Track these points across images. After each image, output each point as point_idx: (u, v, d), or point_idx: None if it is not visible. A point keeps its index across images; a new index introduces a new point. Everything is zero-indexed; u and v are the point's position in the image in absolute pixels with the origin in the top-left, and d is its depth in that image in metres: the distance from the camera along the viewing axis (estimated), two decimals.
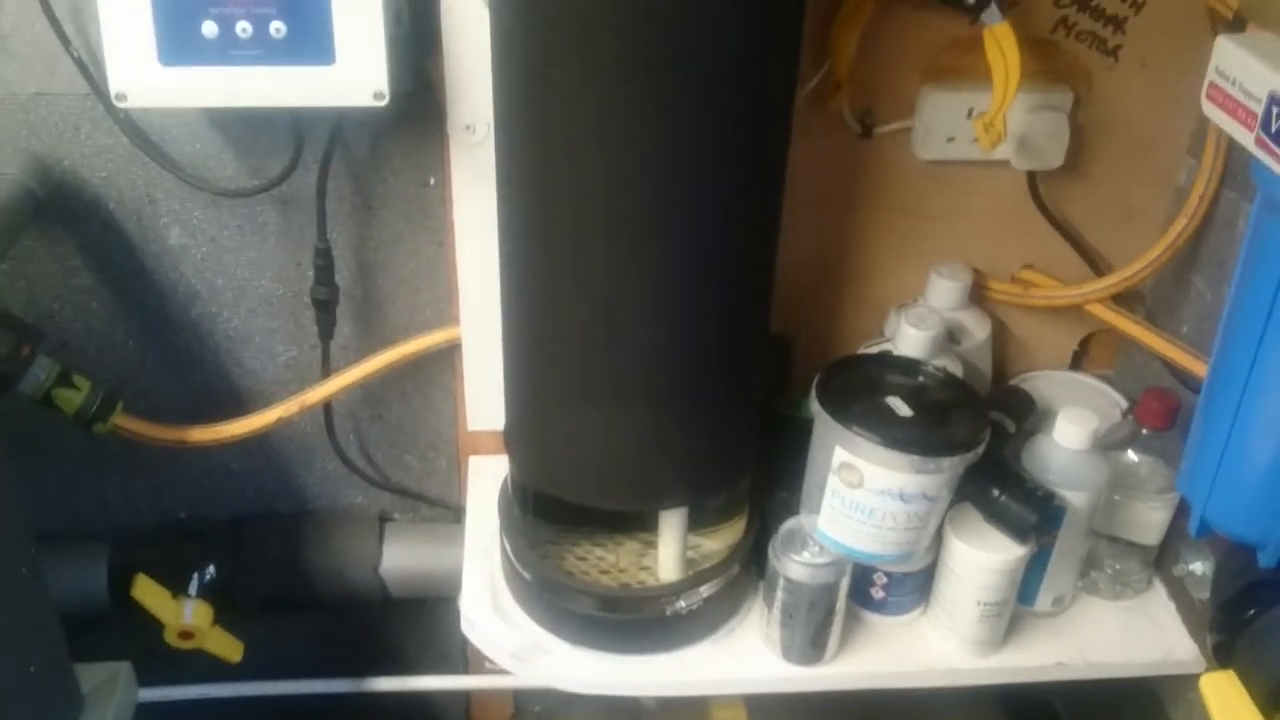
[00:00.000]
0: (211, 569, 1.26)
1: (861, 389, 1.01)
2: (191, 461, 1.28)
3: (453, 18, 1.03)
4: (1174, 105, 1.10)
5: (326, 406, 1.23)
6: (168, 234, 1.16)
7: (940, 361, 1.08)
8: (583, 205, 0.87)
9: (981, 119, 1.01)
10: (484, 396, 1.23)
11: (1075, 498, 1.03)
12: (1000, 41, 0.96)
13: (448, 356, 1.25)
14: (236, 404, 1.25)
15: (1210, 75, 0.76)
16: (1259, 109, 0.71)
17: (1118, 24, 1.06)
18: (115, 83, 0.97)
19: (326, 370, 1.21)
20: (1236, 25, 0.87)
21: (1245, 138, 0.73)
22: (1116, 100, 1.10)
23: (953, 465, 0.97)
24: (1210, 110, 0.76)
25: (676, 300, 0.91)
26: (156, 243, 1.16)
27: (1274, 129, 0.69)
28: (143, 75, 0.96)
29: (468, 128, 1.08)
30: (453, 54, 1.05)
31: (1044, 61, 1.07)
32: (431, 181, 1.15)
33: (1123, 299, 1.17)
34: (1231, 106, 0.74)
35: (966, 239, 1.17)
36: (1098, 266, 1.17)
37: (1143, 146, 1.13)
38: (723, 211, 0.89)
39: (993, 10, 0.95)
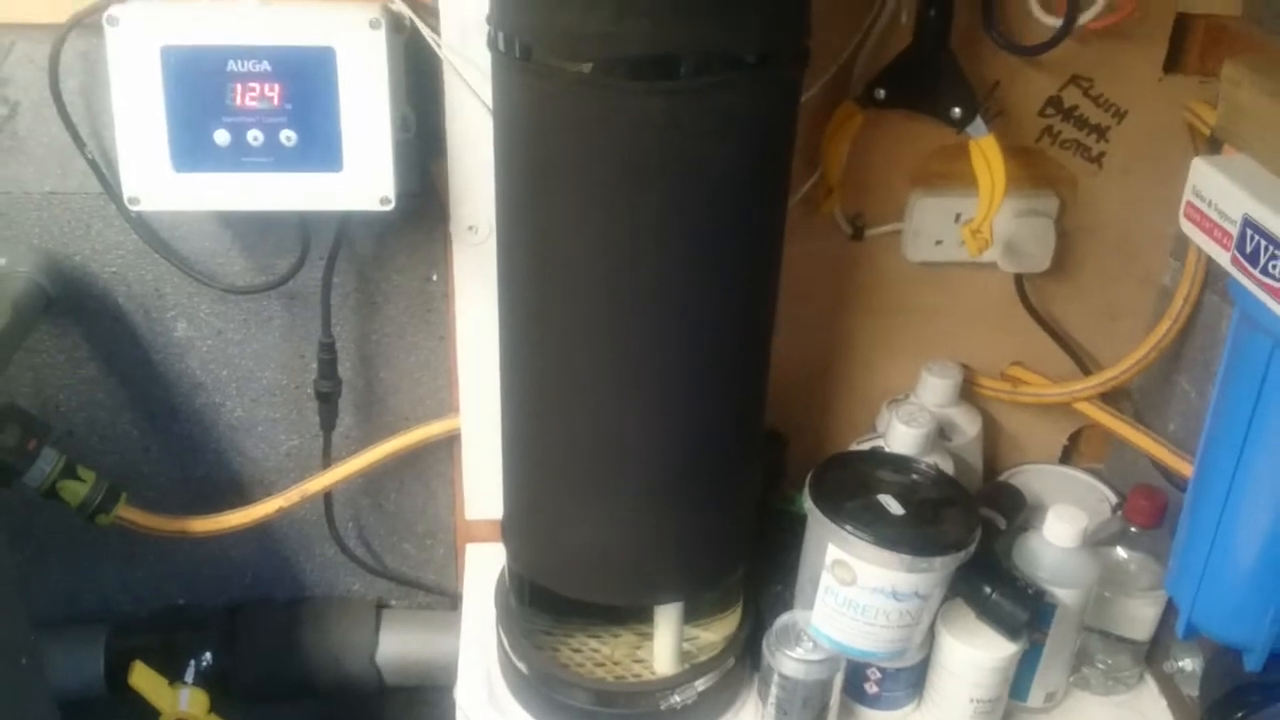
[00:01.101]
0: (208, 656, 1.27)
1: (854, 486, 1.03)
2: (190, 548, 1.29)
3: (457, 125, 1.06)
4: (1157, 209, 1.13)
5: (327, 495, 1.25)
6: (175, 327, 1.18)
7: (932, 458, 1.10)
8: (581, 310, 0.90)
9: (969, 226, 1.04)
10: (482, 486, 1.25)
11: (1066, 595, 1.04)
12: (985, 153, 1.00)
13: (447, 446, 1.27)
14: (237, 491, 1.27)
15: (1188, 195, 0.79)
16: (1234, 230, 0.74)
17: (1101, 132, 1.10)
18: (129, 187, 1.00)
19: (328, 460, 1.23)
20: (1214, 142, 0.91)
21: (1222, 257, 0.75)
22: (1101, 205, 1.13)
23: (945, 564, 0.98)
24: (1188, 228, 0.79)
25: (673, 401, 0.93)
26: (163, 335, 1.18)
27: (1248, 250, 0.72)
28: (156, 180, 0.99)
29: (470, 228, 1.11)
30: (456, 158, 1.08)
31: (1029, 168, 1.11)
32: (434, 278, 1.18)
33: (1110, 396, 1.19)
34: (1208, 226, 0.77)
35: (956, 336, 1.20)
36: (1084, 364, 1.20)
37: (1127, 249, 1.16)
38: (718, 316, 0.91)
39: (978, 124, 0.99)
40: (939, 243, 1.12)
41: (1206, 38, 1.05)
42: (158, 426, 1.23)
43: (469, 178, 1.09)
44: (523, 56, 0.83)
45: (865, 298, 1.18)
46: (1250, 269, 0.72)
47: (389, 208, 1.01)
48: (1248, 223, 0.72)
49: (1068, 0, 0.99)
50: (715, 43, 0.79)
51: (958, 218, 1.11)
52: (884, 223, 1.13)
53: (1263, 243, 0.71)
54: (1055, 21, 1.01)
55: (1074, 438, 1.28)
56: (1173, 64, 1.07)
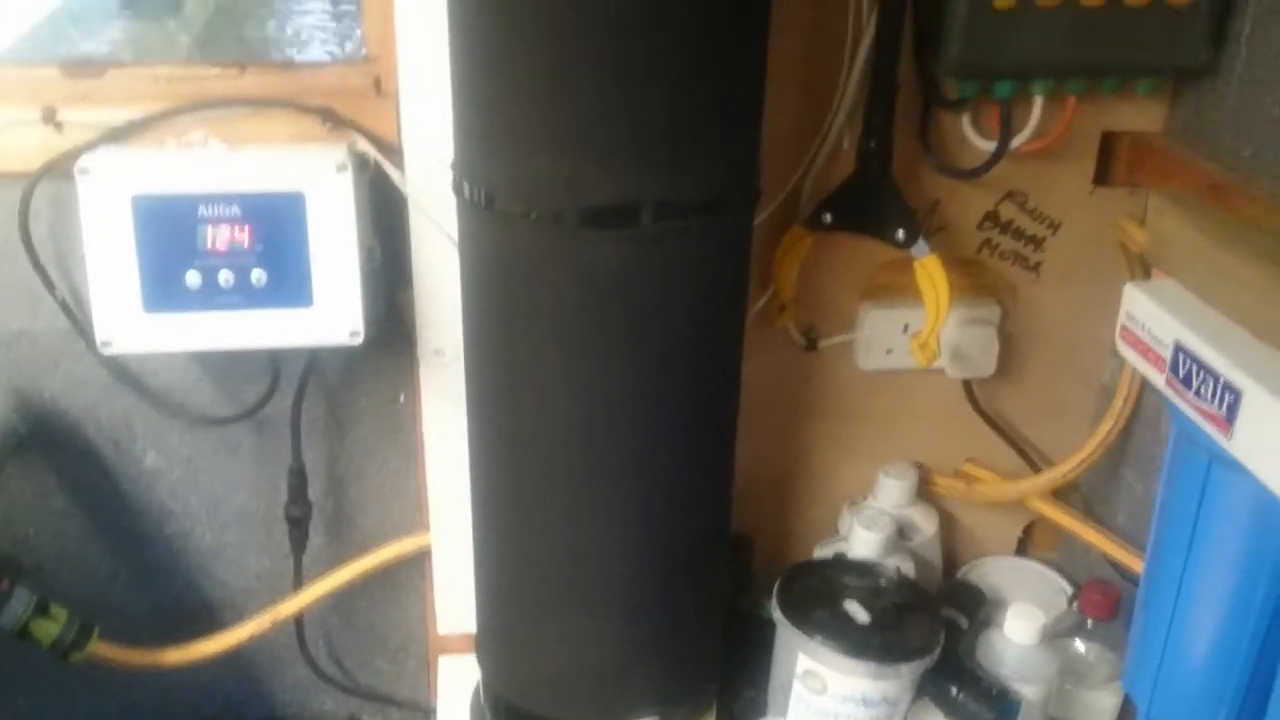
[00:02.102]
0: None
1: (820, 594, 1.06)
2: (161, 674, 1.28)
3: (421, 255, 1.10)
4: (1094, 312, 1.19)
5: (298, 618, 1.25)
6: (144, 457, 1.19)
7: (893, 559, 1.14)
8: (549, 437, 0.93)
9: (917, 339, 1.09)
10: (455, 600, 1.26)
11: (1029, 690, 1.08)
12: (930, 272, 1.04)
13: (418, 562, 1.28)
14: (208, 615, 1.27)
15: (1122, 319, 0.84)
16: (1167, 354, 0.79)
17: (1037, 243, 1.16)
18: (101, 330, 1.02)
19: (299, 583, 1.24)
20: (1145, 260, 0.96)
21: (1156, 379, 0.80)
22: (1040, 311, 1.19)
23: (911, 670, 1.01)
24: (1124, 350, 0.84)
25: (642, 519, 0.96)
26: (133, 466, 1.19)
27: (1181, 374, 0.77)
28: (128, 323, 1.01)
29: (437, 352, 1.14)
30: (422, 287, 1.11)
31: (971, 278, 1.16)
32: (401, 399, 1.21)
33: (1060, 491, 1.24)
34: (1143, 349, 0.82)
35: (909, 439, 1.24)
36: (1032, 460, 1.25)
37: (1067, 351, 1.21)
38: (683, 438, 0.95)
39: (921, 245, 1.04)
40: (889, 351, 1.17)
41: (1131, 153, 1.11)
42: (127, 555, 1.24)
43: (434, 305, 1.12)
44: (486, 205, 0.87)
45: (821, 405, 1.22)
46: (1184, 391, 0.77)
47: (359, 341, 1.04)
48: (1179, 348, 0.77)
49: (1001, 126, 1.05)
50: (671, 191, 0.83)
51: (906, 327, 1.15)
52: (836, 334, 1.18)
53: (1194, 367, 0.75)
54: (989, 144, 1.07)
55: (1028, 529, 1.32)
56: (1101, 177, 1.13)
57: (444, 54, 0.97)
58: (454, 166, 0.92)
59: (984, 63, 1.00)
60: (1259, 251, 0.76)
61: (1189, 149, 1.06)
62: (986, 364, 1.16)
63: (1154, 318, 0.80)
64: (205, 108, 1.03)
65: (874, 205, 1.04)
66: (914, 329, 1.14)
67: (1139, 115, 1.10)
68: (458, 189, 0.91)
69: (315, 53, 1.06)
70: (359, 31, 1.07)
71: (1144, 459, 1.17)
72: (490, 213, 0.87)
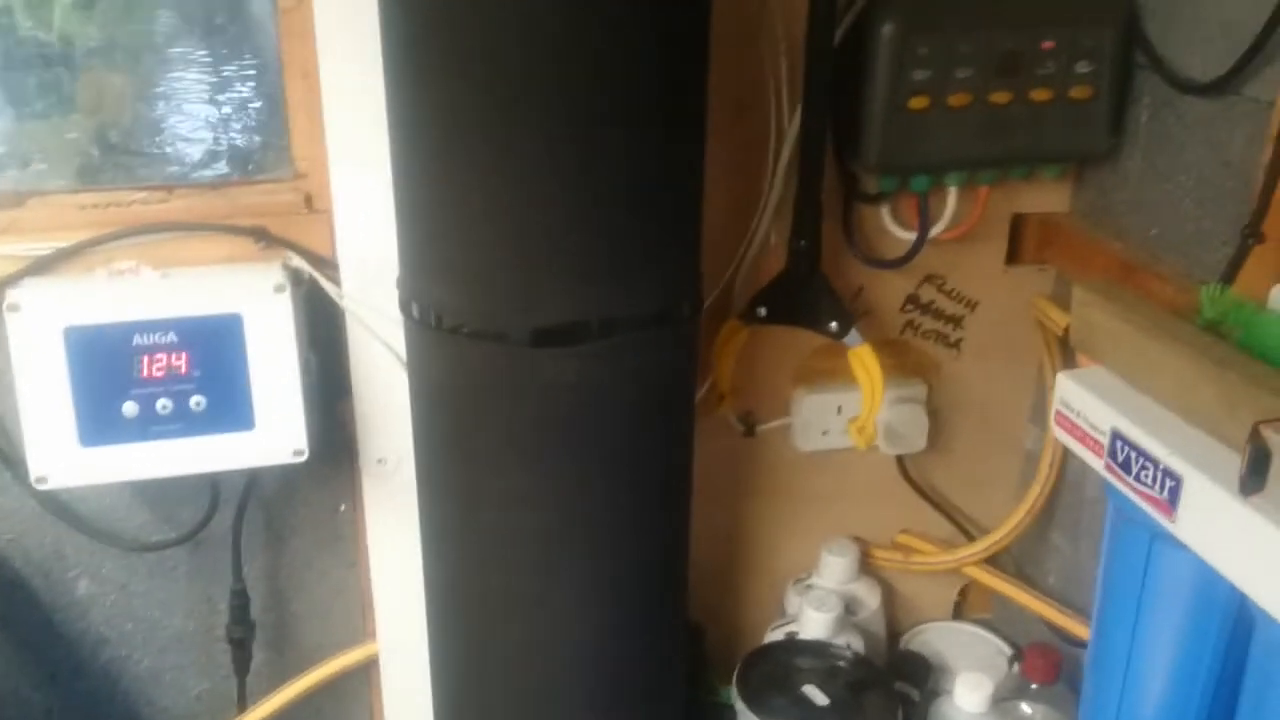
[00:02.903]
0: None
1: (778, 679, 1.08)
2: None
3: (361, 366, 1.09)
4: (1013, 384, 1.24)
5: None
6: (76, 586, 1.16)
7: (843, 638, 1.16)
8: (508, 542, 0.93)
9: (855, 423, 1.12)
10: (405, 708, 1.24)
11: None
12: (864, 360, 1.08)
13: (364, 672, 1.26)
14: None
15: (1057, 405, 0.88)
16: (1104, 440, 0.83)
17: (956, 321, 1.21)
18: (36, 467, 0.99)
19: (243, 705, 1.20)
20: (1065, 342, 1.01)
21: (1095, 463, 0.84)
22: (963, 385, 1.24)
23: None
24: (1061, 435, 0.88)
25: (602, 616, 0.97)
26: (65, 595, 1.16)
27: (1120, 459, 0.81)
28: (63, 457, 0.99)
29: (379, 461, 1.14)
30: (362, 397, 1.11)
31: (897, 358, 1.20)
32: (342, 508, 1.19)
33: (993, 557, 1.28)
34: (1080, 435, 0.86)
35: (847, 514, 1.27)
36: (964, 527, 1.29)
37: (990, 421, 1.26)
38: (640, 535, 0.96)
39: (854, 335, 1.07)
40: (825, 433, 1.20)
41: (1040, 233, 1.17)
42: (60, 687, 1.19)
43: (375, 414, 1.12)
44: (436, 325, 0.87)
45: (762, 487, 1.24)
46: (1124, 476, 0.81)
47: (303, 459, 1.03)
48: (1117, 435, 0.81)
49: (919, 217, 1.09)
50: (620, 307, 0.85)
51: (839, 409, 1.19)
52: (773, 418, 1.21)
53: (1132, 454, 0.80)
54: (909, 233, 1.11)
55: (963, 593, 1.36)
56: (1013, 257, 1.19)
57: (376, 168, 0.98)
58: (400, 285, 0.92)
59: (901, 160, 1.05)
60: (1181, 339, 0.80)
61: (1095, 228, 1.13)
62: (917, 440, 1.21)
63: (1088, 405, 0.84)
64: (133, 234, 1.01)
65: (806, 299, 1.07)
66: (847, 410, 1.18)
67: (1046, 197, 1.16)
68: (405, 308, 0.91)
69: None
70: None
71: (1070, 522, 1.22)
72: (441, 333, 0.88)
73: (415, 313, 0.89)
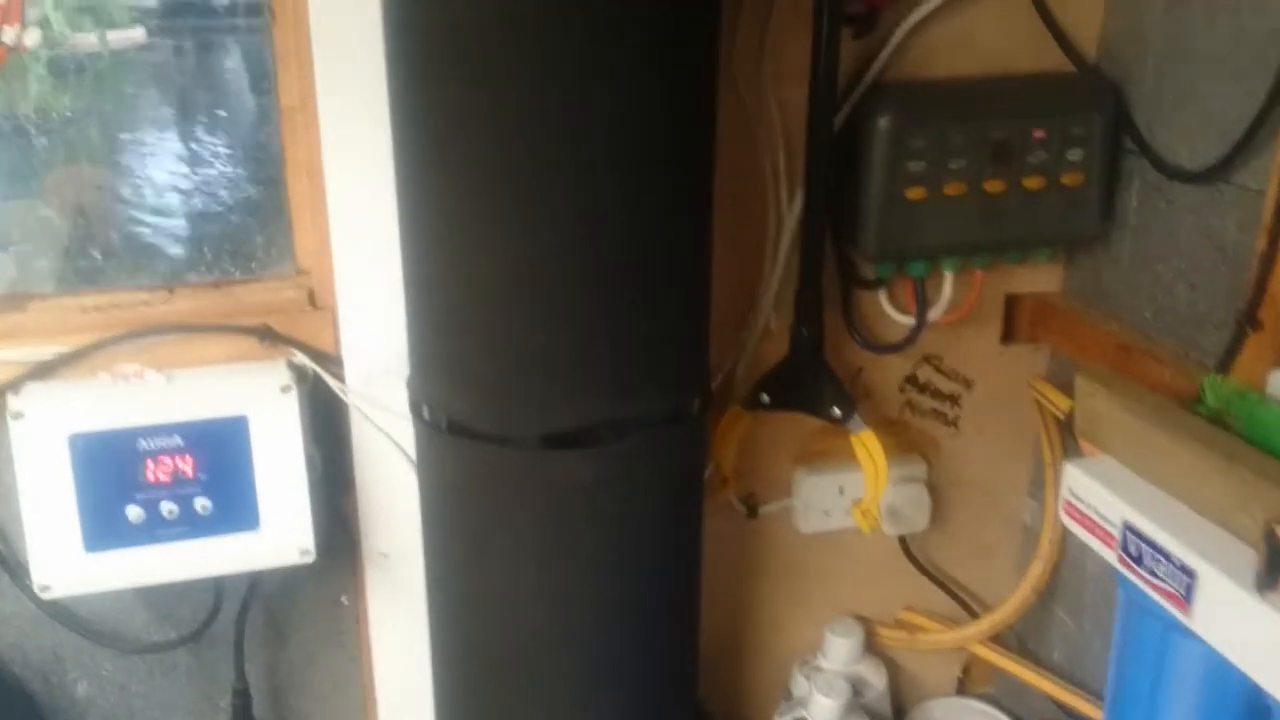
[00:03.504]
0: None
1: None
2: None
3: (365, 461, 1.09)
4: (1011, 459, 1.25)
5: None
6: (75, 689, 1.14)
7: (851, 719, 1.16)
8: (522, 639, 0.93)
9: (859, 507, 1.13)
10: None
11: None
12: (867, 445, 1.09)
13: None
14: None
15: (1065, 495, 0.89)
16: (1116, 533, 0.83)
17: (954, 400, 1.22)
18: (39, 574, 0.98)
19: None
20: (1067, 426, 1.02)
21: (1108, 555, 0.85)
22: (962, 462, 1.25)
23: None
24: (1070, 524, 0.89)
25: (614, 706, 0.96)
26: (64, 698, 1.14)
27: (1134, 553, 0.82)
28: (67, 565, 0.97)
29: (383, 554, 1.13)
30: (366, 492, 1.11)
31: (897, 437, 1.21)
32: (344, 600, 1.18)
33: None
34: (1090, 525, 0.87)
35: (850, 593, 1.27)
36: (966, 603, 1.29)
37: (989, 496, 1.27)
38: (652, 627, 0.96)
39: (856, 420, 1.08)
40: (827, 513, 1.20)
41: (1034, 313, 1.19)
42: None
43: (378, 508, 1.11)
44: (449, 430, 0.88)
45: (765, 569, 1.24)
46: (1137, 569, 0.81)
47: (310, 559, 1.02)
48: (1129, 528, 0.82)
49: (916, 301, 1.11)
50: (633, 409, 0.85)
51: (841, 490, 1.19)
52: (774, 500, 1.21)
53: (1146, 547, 0.80)
54: (906, 317, 1.13)
55: (966, 668, 1.36)
56: (1008, 336, 1.20)
57: (380, 265, 0.99)
58: (410, 386, 0.92)
59: (898, 247, 1.06)
60: (1188, 431, 0.81)
61: (1089, 309, 1.14)
62: (920, 520, 1.21)
63: (1098, 497, 0.85)
64: (137, 336, 1.01)
65: (809, 386, 1.08)
66: (849, 491, 1.18)
67: (1038, 277, 1.18)
68: (415, 410, 0.91)
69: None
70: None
71: (1073, 597, 1.22)
72: (452, 436, 0.88)
73: (426, 415, 0.90)
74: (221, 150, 1.08)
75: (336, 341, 1.06)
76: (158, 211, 1.12)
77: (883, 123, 1.01)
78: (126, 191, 1.11)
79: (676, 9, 0.80)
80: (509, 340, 0.83)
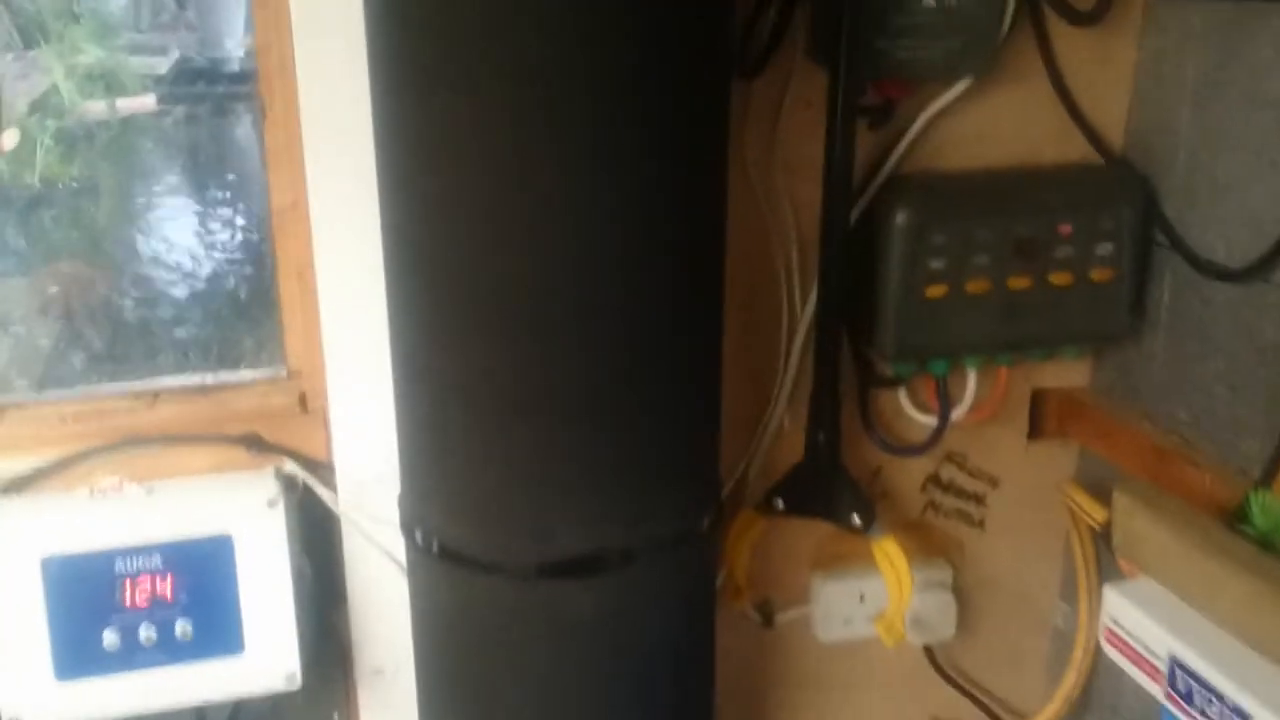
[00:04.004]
0: None
1: None
2: None
3: (357, 574, 1.04)
4: (1040, 561, 1.19)
5: None
6: None
7: None
8: None
9: (881, 621, 1.06)
10: None
11: None
12: (889, 554, 1.03)
13: None
14: None
15: (1105, 622, 0.83)
16: (1162, 667, 0.77)
17: (979, 499, 1.16)
18: (7, 706, 0.92)
19: None
20: (1104, 536, 0.96)
21: (1154, 690, 0.79)
22: (988, 564, 1.18)
23: None
24: (1111, 653, 0.83)
25: None
26: None
27: (1182, 690, 0.76)
28: (37, 694, 0.92)
29: (376, 671, 1.07)
30: (358, 606, 1.05)
31: (919, 539, 1.15)
32: (335, 717, 1.12)
33: None
34: (1134, 656, 0.80)
35: (874, 705, 1.21)
36: (997, 715, 1.22)
37: (1019, 600, 1.20)
38: None
39: (878, 529, 1.02)
40: (847, 622, 1.14)
41: (1061, 409, 1.13)
42: None
43: (371, 623, 1.06)
44: (439, 554, 0.82)
45: (783, 680, 1.18)
46: (1186, 707, 0.75)
47: (296, 686, 0.97)
48: (1176, 663, 0.76)
49: (938, 400, 1.05)
50: (639, 533, 0.80)
51: (862, 597, 1.13)
52: (791, 607, 1.15)
53: (1195, 685, 0.74)
54: (927, 417, 1.07)
55: None
56: (1035, 432, 1.15)
57: (375, 369, 0.94)
58: (401, 505, 0.87)
59: (918, 346, 1.01)
60: (1237, 558, 0.76)
61: (1121, 407, 1.09)
62: (945, 628, 1.15)
63: (1142, 626, 0.79)
64: (117, 448, 0.96)
65: (826, 492, 1.02)
66: (869, 597, 1.12)
67: (1066, 373, 1.13)
68: (407, 531, 0.86)
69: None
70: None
71: (1107, 707, 1.15)
72: (444, 562, 0.82)
73: (418, 538, 0.84)
74: (219, 258, 1.04)
75: (328, 447, 1.01)
76: (146, 306, 1.08)
77: (901, 218, 0.97)
78: (115, 286, 1.07)
79: (683, 99, 0.75)
80: (503, 461, 0.78)
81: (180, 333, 1.05)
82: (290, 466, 1.00)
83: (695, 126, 0.77)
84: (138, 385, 1.02)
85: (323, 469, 1.01)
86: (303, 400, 1.02)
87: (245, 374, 1.04)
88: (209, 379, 1.03)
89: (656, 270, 0.78)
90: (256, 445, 0.99)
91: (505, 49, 0.70)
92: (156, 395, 1.01)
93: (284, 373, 1.03)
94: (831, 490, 1.03)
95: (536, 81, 0.70)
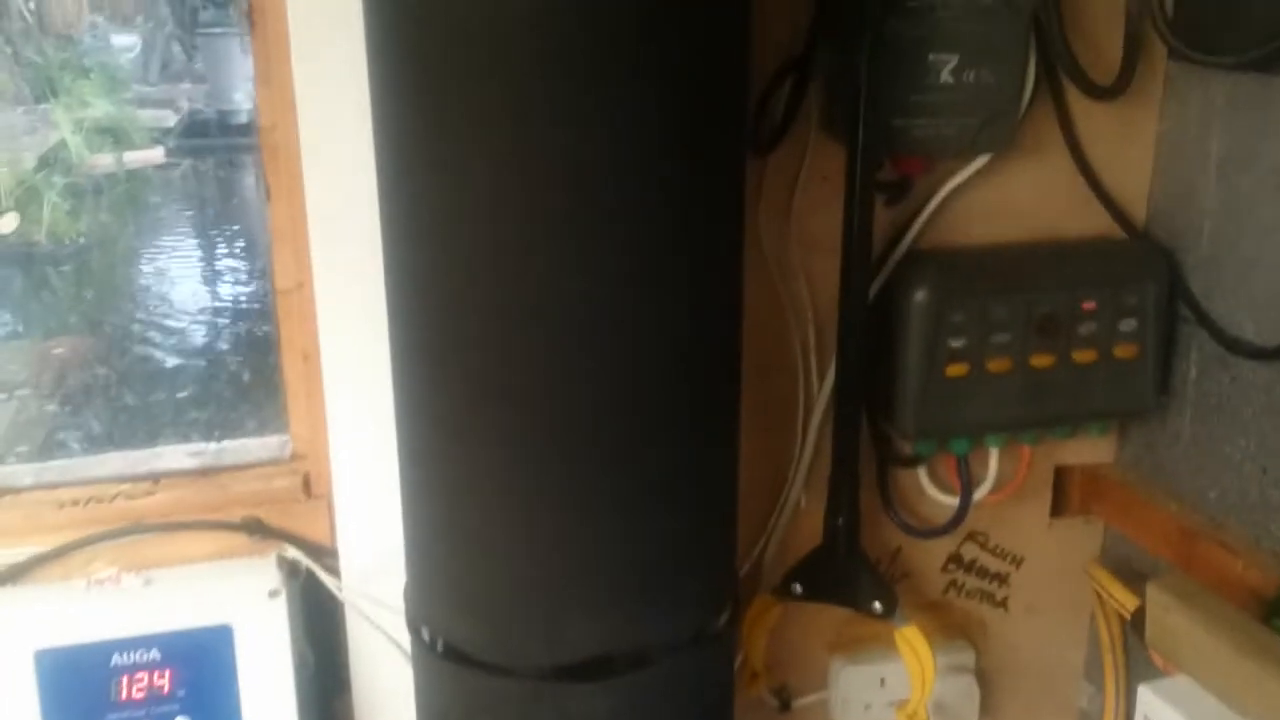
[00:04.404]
0: None
1: None
2: None
3: (361, 660, 1.01)
4: (1065, 640, 1.15)
5: None
6: None
7: None
8: None
9: (903, 711, 1.03)
10: None
11: None
12: (911, 642, 1.00)
13: None
14: None
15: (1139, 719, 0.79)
16: None
17: (1002, 579, 1.12)
18: None
19: None
20: (1136, 625, 0.93)
21: None
22: (1012, 645, 1.15)
23: None
24: None
25: None
26: None
27: None
28: None
29: None
30: (362, 692, 1.02)
31: (940, 621, 1.11)
32: None
33: None
34: None
35: None
36: None
37: (1043, 682, 1.17)
38: None
39: (900, 616, 0.99)
40: (868, 707, 1.10)
41: (1085, 486, 1.10)
42: None
43: (376, 711, 1.02)
44: (446, 655, 0.79)
45: None
46: None
47: None
48: None
49: (960, 480, 1.02)
50: (653, 634, 0.77)
51: (882, 682, 1.09)
52: (809, 692, 1.11)
53: None
54: (948, 497, 1.04)
55: None
56: (1058, 510, 1.12)
57: (381, 454, 0.91)
58: (407, 600, 0.84)
59: (939, 425, 0.99)
60: (1277, 659, 0.72)
61: (1146, 485, 1.06)
62: (969, 713, 1.11)
63: None
64: (116, 537, 0.93)
65: (845, 577, 0.99)
66: (890, 683, 1.08)
67: (1090, 450, 1.10)
68: (413, 628, 0.83)
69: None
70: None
71: None
72: (449, 662, 0.79)
73: (425, 635, 0.81)
74: (222, 344, 1.02)
75: (332, 533, 0.98)
76: (147, 386, 1.06)
77: (920, 296, 0.94)
78: (115, 366, 1.05)
79: (696, 178, 0.73)
80: (511, 558, 0.75)
81: (184, 416, 1.03)
82: (293, 552, 0.97)
83: (709, 204, 0.75)
84: (138, 468, 1.00)
85: (326, 555, 0.99)
86: (306, 484, 0.99)
87: (247, 456, 1.01)
88: (212, 463, 1.00)
89: (670, 356, 0.75)
90: (259, 531, 0.96)
91: (520, 139, 0.68)
92: (157, 481, 0.98)
93: (287, 455, 1.01)
94: (851, 575, 0.99)
95: (550, 166, 0.69)
